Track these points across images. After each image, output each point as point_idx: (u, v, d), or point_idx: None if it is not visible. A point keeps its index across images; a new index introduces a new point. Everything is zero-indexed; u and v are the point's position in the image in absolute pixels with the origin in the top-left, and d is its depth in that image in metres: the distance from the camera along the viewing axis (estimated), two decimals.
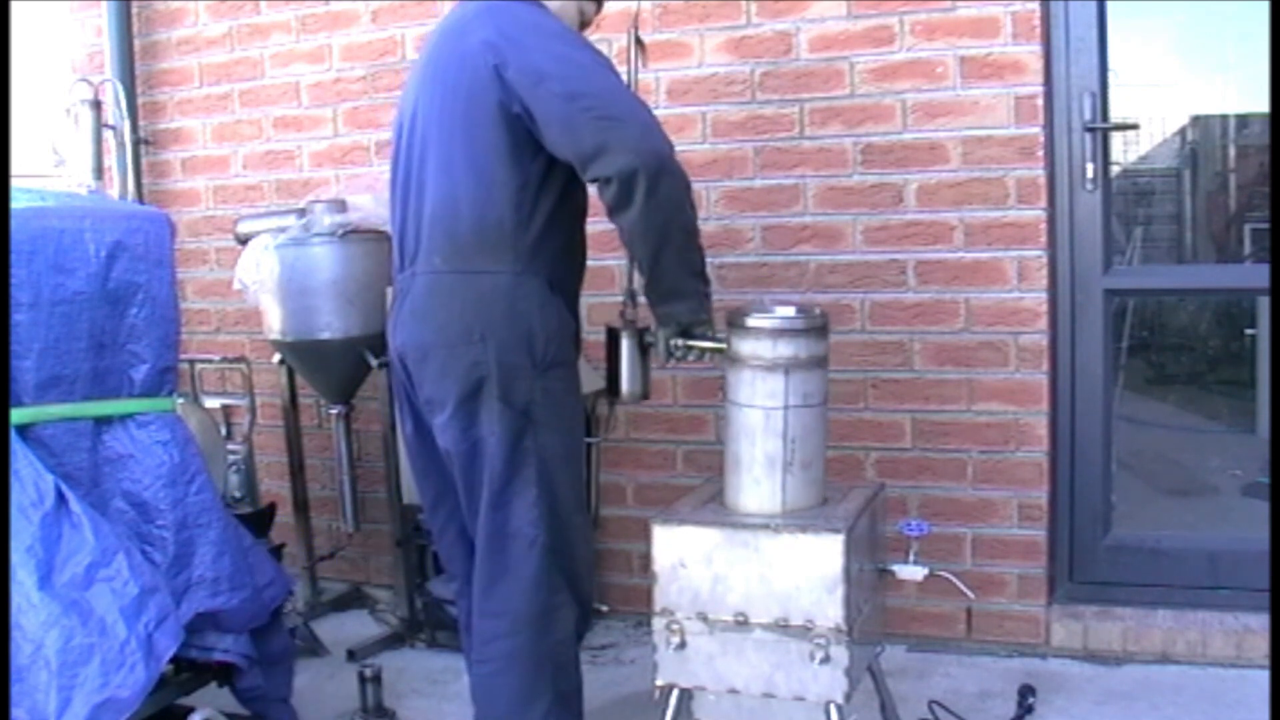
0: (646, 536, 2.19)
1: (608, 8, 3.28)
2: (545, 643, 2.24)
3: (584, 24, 2.41)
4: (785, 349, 2.14)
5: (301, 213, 3.24)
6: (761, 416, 2.15)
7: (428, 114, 2.25)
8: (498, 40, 2.14)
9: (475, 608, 2.32)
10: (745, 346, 2.16)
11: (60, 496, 2.14)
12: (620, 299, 2.40)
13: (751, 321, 2.17)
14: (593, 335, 2.70)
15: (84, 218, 2.32)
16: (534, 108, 2.11)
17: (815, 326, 2.19)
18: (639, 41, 2.31)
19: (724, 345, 2.19)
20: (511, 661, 2.25)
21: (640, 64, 2.26)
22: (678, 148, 3.25)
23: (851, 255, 3.14)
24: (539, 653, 2.24)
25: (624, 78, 2.23)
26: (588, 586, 2.35)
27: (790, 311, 2.24)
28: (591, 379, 3.08)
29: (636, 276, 2.26)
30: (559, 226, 2.23)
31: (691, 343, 2.19)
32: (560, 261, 2.26)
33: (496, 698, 2.28)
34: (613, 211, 2.13)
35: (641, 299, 2.27)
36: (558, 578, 2.23)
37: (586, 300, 2.46)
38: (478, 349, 2.17)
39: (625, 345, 2.28)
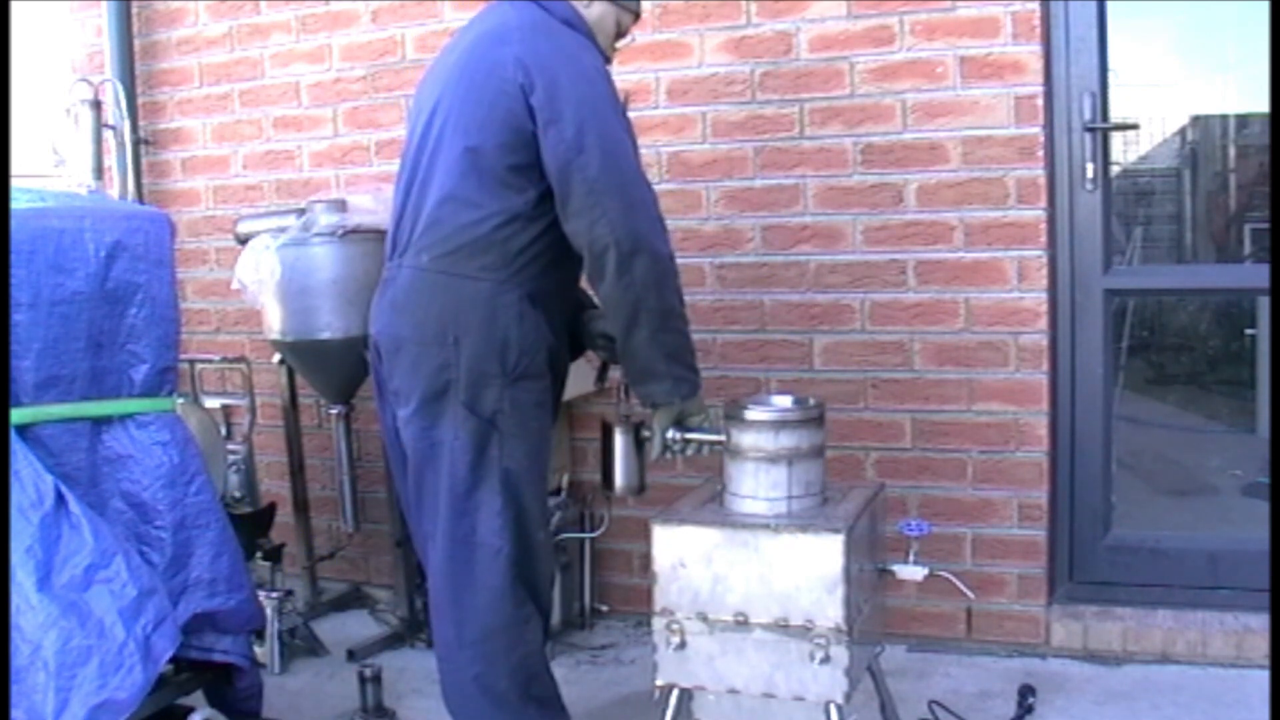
0: (646, 536, 2.18)
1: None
2: (516, 654, 2.26)
3: (620, 34, 2.43)
4: (787, 440, 2.15)
5: (301, 213, 3.24)
6: (765, 508, 2.15)
7: (447, 111, 2.24)
8: (531, 61, 2.15)
9: (438, 611, 2.33)
10: (746, 439, 2.16)
11: (60, 497, 2.13)
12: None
13: (751, 414, 2.17)
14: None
15: (84, 218, 2.32)
16: (542, 140, 2.14)
17: (815, 417, 2.19)
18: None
19: (723, 438, 2.20)
20: (484, 672, 2.26)
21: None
22: (678, 147, 3.29)
23: (851, 255, 3.14)
24: (511, 663, 2.26)
25: None
26: (548, 602, 2.36)
27: (788, 402, 2.27)
28: (588, 379, 3.09)
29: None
30: (552, 243, 2.22)
31: (690, 436, 2.22)
32: (547, 276, 2.25)
33: (475, 710, 2.29)
34: (589, 279, 2.19)
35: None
36: (522, 590, 2.26)
37: None
38: (449, 351, 2.19)
39: (619, 440, 2.30)
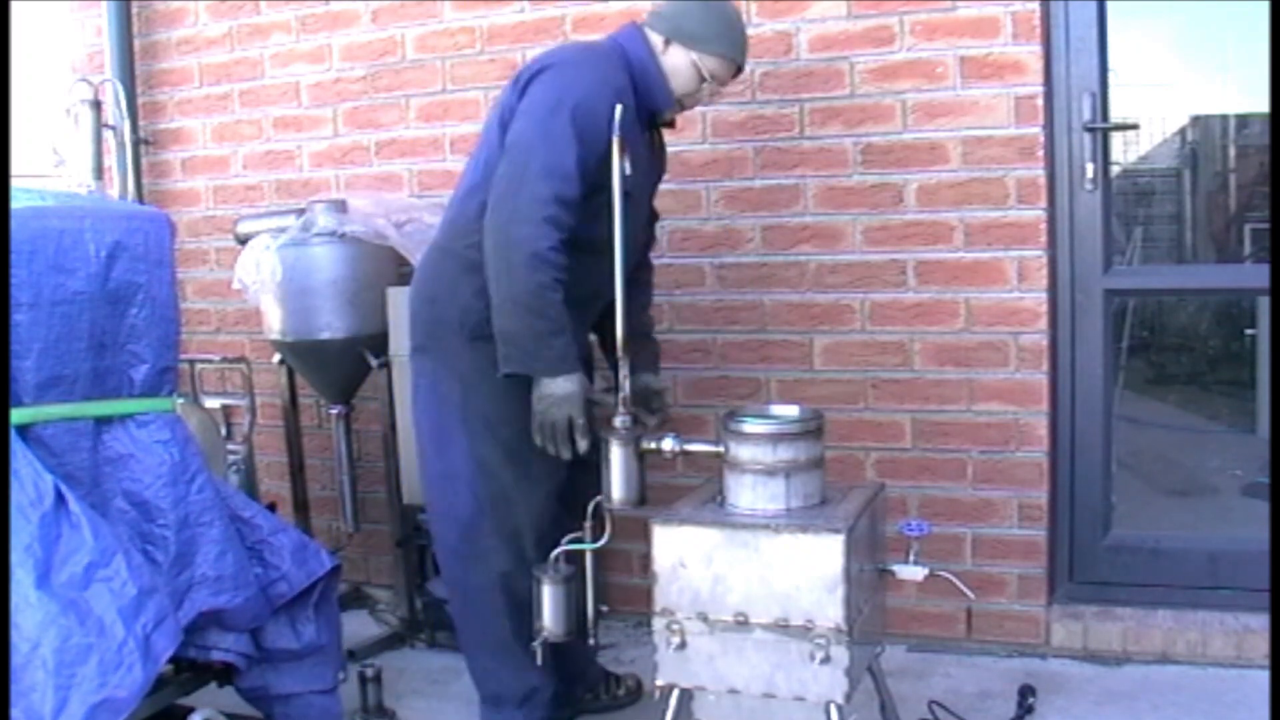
0: (646, 536, 2.18)
1: (609, 7, 3.31)
2: (469, 582, 2.58)
3: (705, 80, 2.54)
4: (785, 453, 2.15)
5: (301, 213, 3.24)
6: (764, 520, 2.15)
7: (488, 118, 2.58)
8: (538, 66, 2.45)
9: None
10: (744, 452, 2.17)
11: (59, 496, 2.13)
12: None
13: (749, 427, 2.18)
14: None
15: (84, 218, 2.32)
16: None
17: (813, 429, 2.20)
18: (622, 146, 2.34)
19: (721, 450, 2.22)
20: (451, 593, 2.69)
21: (624, 165, 2.32)
22: (678, 148, 3.28)
23: (851, 255, 3.14)
24: (466, 589, 2.60)
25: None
26: (526, 539, 2.52)
27: (786, 413, 2.28)
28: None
29: (628, 383, 2.33)
30: None
31: (689, 448, 2.28)
32: None
33: (458, 626, 2.72)
34: None
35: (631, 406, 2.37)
36: (487, 523, 2.51)
37: None
38: (428, 309, 2.54)
39: (617, 452, 2.31)
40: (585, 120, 2.34)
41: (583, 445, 2.33)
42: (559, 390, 2.32)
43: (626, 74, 2.47)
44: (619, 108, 2.30)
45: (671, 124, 2.70)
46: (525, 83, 2.43)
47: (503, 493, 2.51)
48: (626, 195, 2.28)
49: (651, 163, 2.64)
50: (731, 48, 2.56)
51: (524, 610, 2.47)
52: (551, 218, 2.31)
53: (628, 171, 2.33)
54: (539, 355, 2.33)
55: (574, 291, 2.38)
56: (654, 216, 2.82)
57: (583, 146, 2.34)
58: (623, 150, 2.28)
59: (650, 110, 2.53)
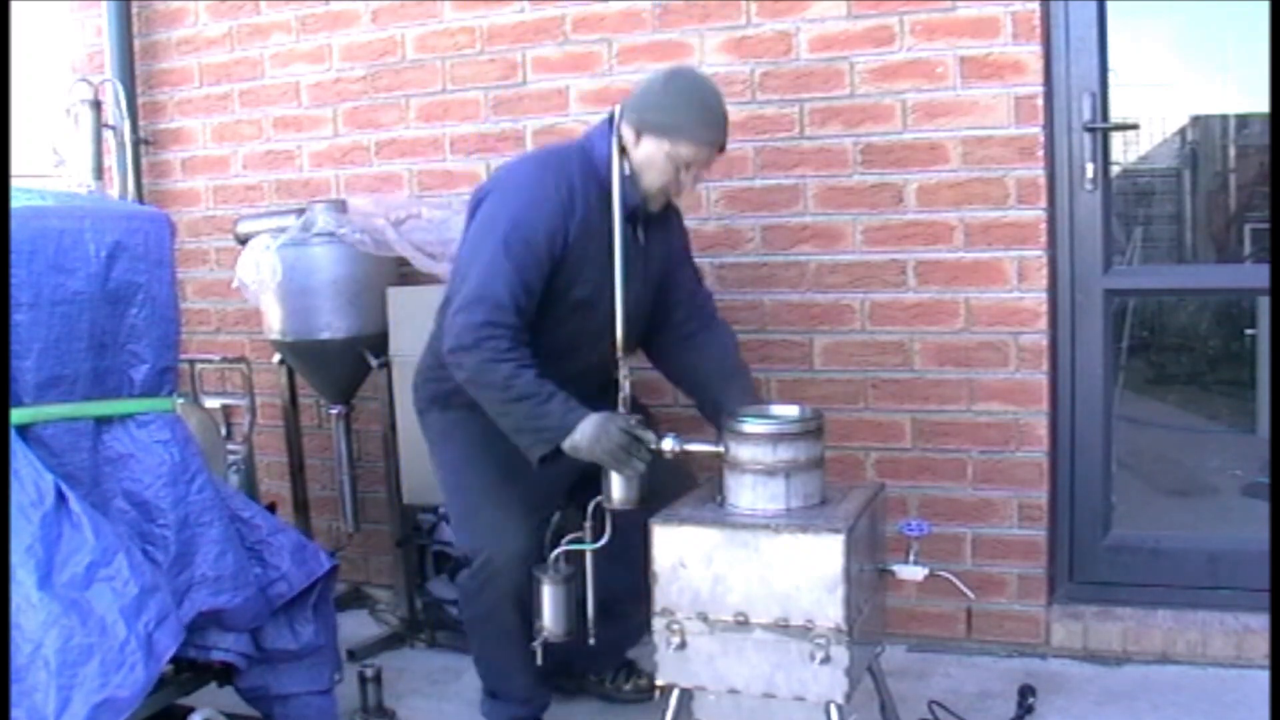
0: (646, 536, 2.18)
1: (609, 7, 3.31)
2: (471, 600, 2.64)
3: (682, 166, 2.45)
4: (785, 453, 2.16)
5: (301, 213, 3.24)
6: (764, 520, 2.15)
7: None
8: (484, 190, 2.53)
9: None
10: (744, 452, 2.18)
11: (60, 496, 2.13)
12: None
13: (749, 427, 2.19)
14: None
15: (84, 218, 2.32)
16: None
17: (813, 429, 2.20)
18: (623, 149, 2.39)
19: (721, 449, 2.22)
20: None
21: (625, 166, 2.38)
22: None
23: (851, 255, 3.14)
24: (461, 592, 2.73)
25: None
26: (489, 540, 2.54)
27: (786, 413, 2.28)
28: None
29: (627, 384, 2.35)
30: None
31: (690, 448, 2.29)
32: None
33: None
34: None
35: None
36: (477, 561, 2.57)
37: None
38: (414, 389, 2.72)
39: None
40: (519, 245, 2.37)
41: (650, 437, 2.28)
42: (588, 435, 2.27)
43: (590, 178, 2.43)
44: (614, 139, 2.39)
45: (668, 208, 2.62)
46: (475, 206, 2.49)
47: (467, 518, 2.61)
48: (589, 301, 2.41)
49: (641, 252, 2.53)
50: (704, 133, 2.42)
51: (507, 645, 2.55)
52: (487, 337, 2.33)
53: (627, 172, 2.35)
54: (546, 426, 2.31)
55: (566, 373, 2.39)
56: (698, 281, 2.79)
57: (519, 270, 2.36)
58: (622, 152, 2.34)
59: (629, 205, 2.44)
